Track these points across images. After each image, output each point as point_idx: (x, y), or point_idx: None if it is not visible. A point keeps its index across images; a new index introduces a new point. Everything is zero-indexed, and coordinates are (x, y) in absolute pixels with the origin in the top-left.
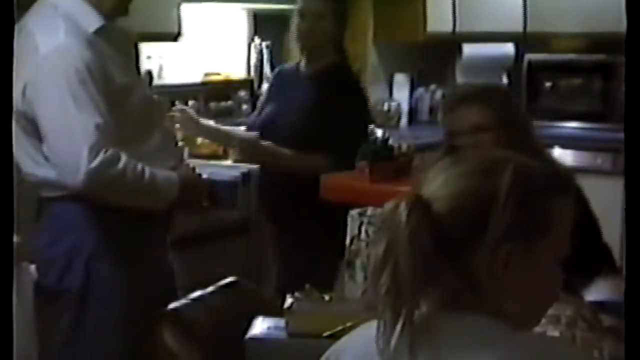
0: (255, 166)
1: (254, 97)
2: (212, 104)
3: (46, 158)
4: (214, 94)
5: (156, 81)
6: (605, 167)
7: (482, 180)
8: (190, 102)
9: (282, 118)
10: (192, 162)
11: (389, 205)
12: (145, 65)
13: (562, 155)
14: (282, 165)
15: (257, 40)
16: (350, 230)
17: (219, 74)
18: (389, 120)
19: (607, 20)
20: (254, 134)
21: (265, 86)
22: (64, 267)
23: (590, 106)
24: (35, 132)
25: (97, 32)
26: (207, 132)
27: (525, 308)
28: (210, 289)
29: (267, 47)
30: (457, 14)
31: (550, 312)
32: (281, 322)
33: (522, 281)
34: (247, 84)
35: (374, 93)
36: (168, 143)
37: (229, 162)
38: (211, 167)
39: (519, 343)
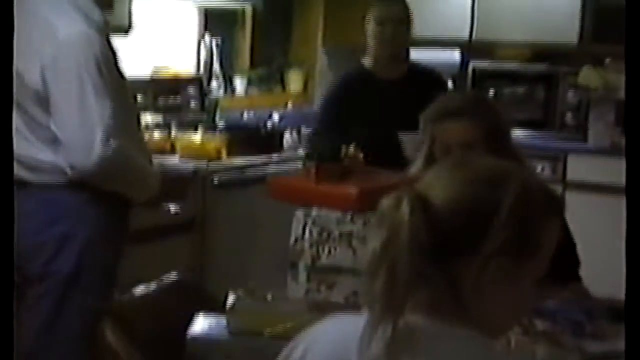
0: (203, 163)
1: (202, 94)
2: (161, 99)
3: (47, 142)
4: (162, 89)
5: None
6: (546, 174)
7: (488, 190)
8: (139, 97)
9: (389, 130)
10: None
11: (388, 201)
12: None
13: None
14: None
15: (207, 37)
16: (295, 230)
17: (168, 69)
18: None
19: (551, 31)
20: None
21: (240, 86)
22: (53, 252)
23: (533, 114)
24: (42, 113)
25: (101, 24)
26: None
27: (498, 320)
28: (152, 285)
29: (217, 44)
30: None
31: None
32: (223, 320)
33: (502, 295)
34: (197, 81)
35: (322, 95)
36: (142, 138)
37: (176, 158)
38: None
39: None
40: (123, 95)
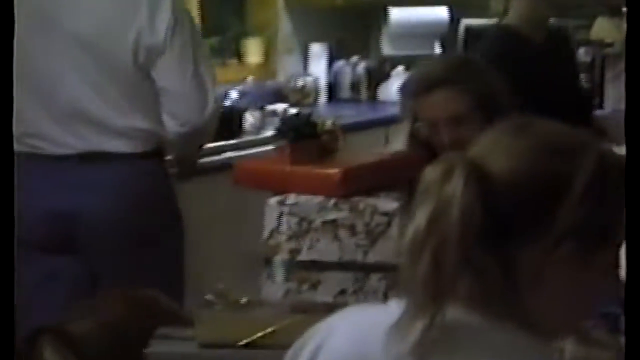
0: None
1: None
2: None
3: (142, 110)
4: None
5: None
6: None
7: (559, 160)
8: None
9: (551, 97)
10: None
11: (435, 170)
12: None
13: None
14: None
15: None
16: (268, 221)
17: None
18: (305, 97)
19: None
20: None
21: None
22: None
23: None
24: (143, 79)
25: None
26: None
27: (558, 320)
28: (98, 297)
29: None
30: None
31: None
32: (189, 332)
33: (566, 288)
34: None
35: (286, 66)
36: None
37: None
38: None
39: None
40: None
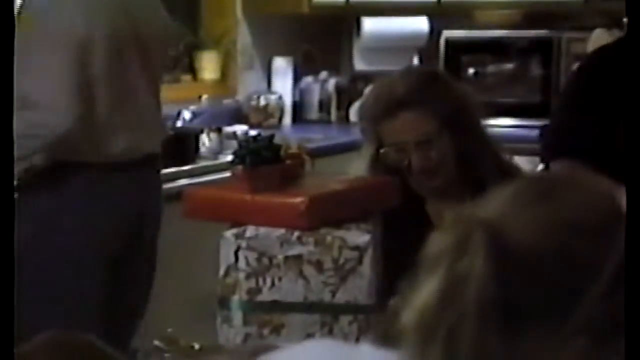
0: None
1: None
2: None
3: None
4: None
5: None
6: None
7: (589, 239)
8: None
9: None
10: None
11: (446, 238)
12: None
13: None
14: None
15: None
16: (225, 257)
17: None
18: (267, 118)
19: None
20: None
21: None
22: None
23: (527, 97)
24: None
25: None
26: None
27: None
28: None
29: None
30: None
31: None
32: None
33: None
34: None
35: (247, 83)
36: None
37: None
38: None
39: None
40: None
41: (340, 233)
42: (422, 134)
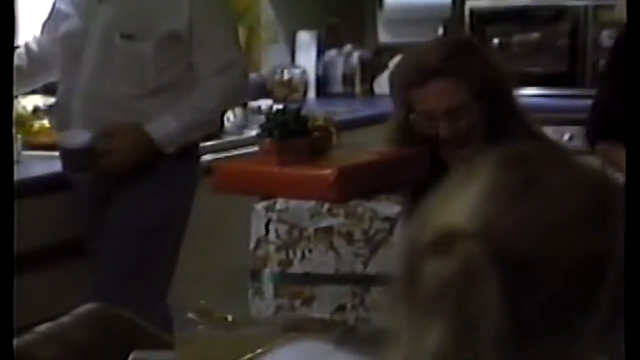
0: None
1: None
2: None
3: None
4: None
5: None
6: (575, 144)
7: (589, 229)
8: None
9: None
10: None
11: (448, 265)
12: None
13: None
14: None
15: None
16: (255, 230)
17: None
18: (292, 92)
19: None
20: None
21: None
22: None
23: (554, 66)
24: None
25: None
26: None
27: None
28: (64, 319)
29: None
30: None
31: None
32: (169, 354)
33: None
34: None
35: (271, 57)
36: None
37: None
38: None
39: None
40: None
41: (370, 204)
42: (452, 103)
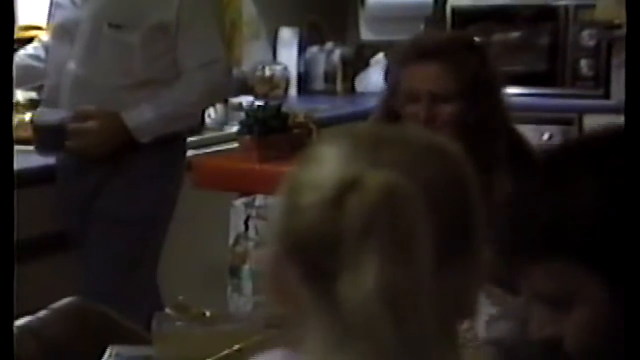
0: None
1: None
2: None
3: None
4: None
5: None
6: (555, 143)
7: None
8: None
9: None
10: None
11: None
12: None
13: None
14: None
15: None
16: (234, 226)
17: None
18: (273, 89)
19: None
20: None
21: None
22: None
23: (534, 65)
24: None
25: None
26: None
27: None
28: (41, 313)
29: None
30: None
31: None
32: (146, 350)
33: None
34: None
35: (253, 53)
36: None
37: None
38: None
39: None
40: None
41: None
42: (437, 87)
